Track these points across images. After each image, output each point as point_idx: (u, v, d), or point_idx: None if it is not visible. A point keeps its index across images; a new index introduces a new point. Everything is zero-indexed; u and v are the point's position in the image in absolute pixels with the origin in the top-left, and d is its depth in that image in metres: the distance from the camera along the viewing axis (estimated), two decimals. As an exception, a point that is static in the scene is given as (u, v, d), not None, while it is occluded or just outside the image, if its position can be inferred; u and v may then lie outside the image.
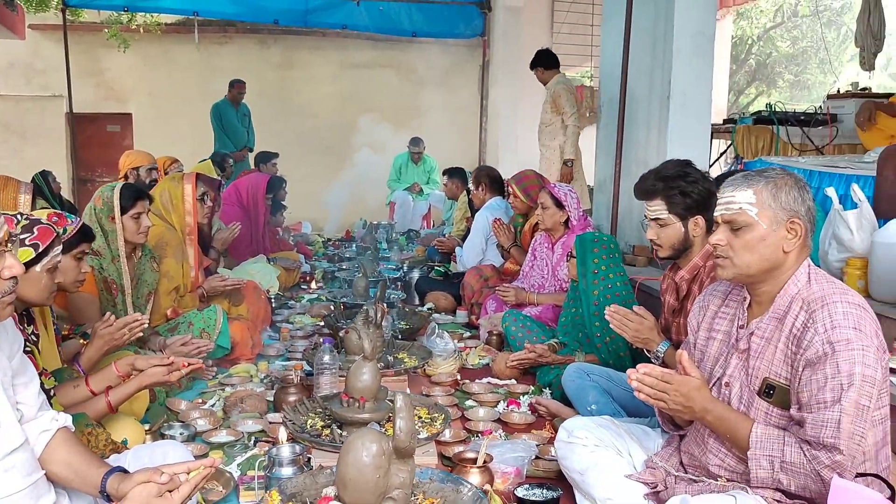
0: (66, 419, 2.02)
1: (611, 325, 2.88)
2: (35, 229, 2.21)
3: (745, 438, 2.01)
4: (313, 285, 5.88)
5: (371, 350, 2.62)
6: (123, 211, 3.45)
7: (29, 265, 2.16)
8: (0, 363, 1.82)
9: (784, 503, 1.99)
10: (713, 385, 2.19)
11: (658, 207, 2.82)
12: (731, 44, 12.78)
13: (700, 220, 2.81)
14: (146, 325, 2.79)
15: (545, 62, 6.80)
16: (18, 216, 2.25)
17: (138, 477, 1.81)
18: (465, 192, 6.89)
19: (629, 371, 2.07)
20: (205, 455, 2.74)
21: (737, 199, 2.08)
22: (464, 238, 5.99)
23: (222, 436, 2.97)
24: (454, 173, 7.13)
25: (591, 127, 10.56)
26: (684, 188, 2.78)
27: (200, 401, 3.40)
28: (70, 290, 2.72)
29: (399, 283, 5.64)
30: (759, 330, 2.10)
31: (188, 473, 1.84)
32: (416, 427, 2.76)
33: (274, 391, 3.34)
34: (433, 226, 9.15)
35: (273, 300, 5.10)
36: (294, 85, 11.51)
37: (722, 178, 2.89)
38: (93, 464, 1.93)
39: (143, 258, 3.67)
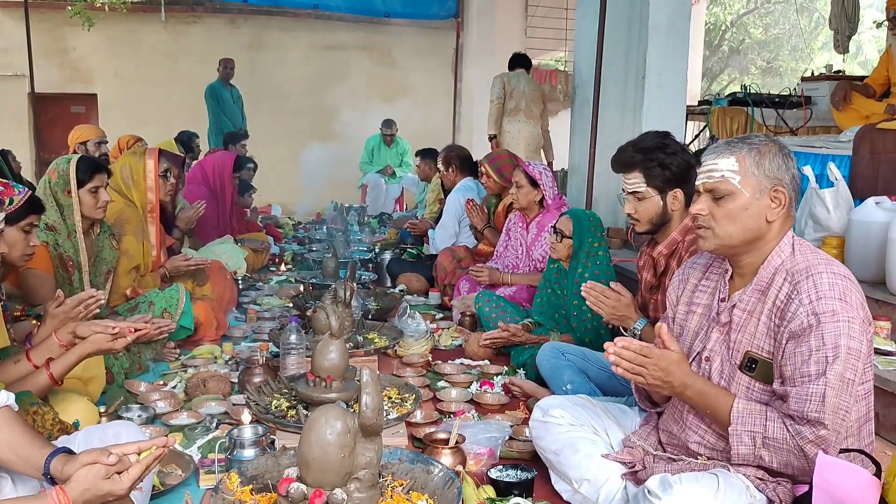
0: (7, 397, 1.88)
1: (587, 302, 2.80)
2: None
3: (726, 414, 1.94)
4: (282, 268, 5.74)
5: (338, 328, 2.50)
6: (80, 184, 3.29)
7: None
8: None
9: (766, 481, 1.92)
10: (693, 360, 2.11)
11: (636, 180, 2.73)
12: (704, 30, 12.77)
13: (679, 193, 2.72)
14: (103, 303, 2.64)
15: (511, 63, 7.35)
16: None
17: (84, 458, 1.69)
18: (437, 173, 6.77)
19: (606, 344, 1.98)
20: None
21: (719, 167, 2.00)
22: (437, 220, 5.88)
23: (183, 418, 2.84)
24: (427, 154, 7.01)
25: (565, 111, 10.50)
26: (663, 160, 2.70)
27: (161, 382, 3.26)
28: (18, 263, 2.57)
29: (370, 265, 5.52)
30: (742, 302, 2.03)
31: (139, 454, 1.72)
32: (386, 407, 2.66)
33: (238, 372, 3.21)
34: (406, 209, 9.02)
35: (240, 282, 4.96)
36: (265, 66, 11.26)
37: (701, 153, 2.82)
38: (35, 444, 1.80)
39: (101, 235, 3.51)
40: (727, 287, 2.11)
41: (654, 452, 2.21)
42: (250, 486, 1.90)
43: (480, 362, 3.67)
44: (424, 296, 5.04)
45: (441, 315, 4.63)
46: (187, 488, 2.32)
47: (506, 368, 3.56)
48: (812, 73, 6.70)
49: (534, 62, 8.86)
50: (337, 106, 10.23)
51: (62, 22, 10.68)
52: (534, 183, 4.27)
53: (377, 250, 5.97)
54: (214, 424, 2.78)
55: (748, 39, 16.38)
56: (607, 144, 5.63)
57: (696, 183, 2.09)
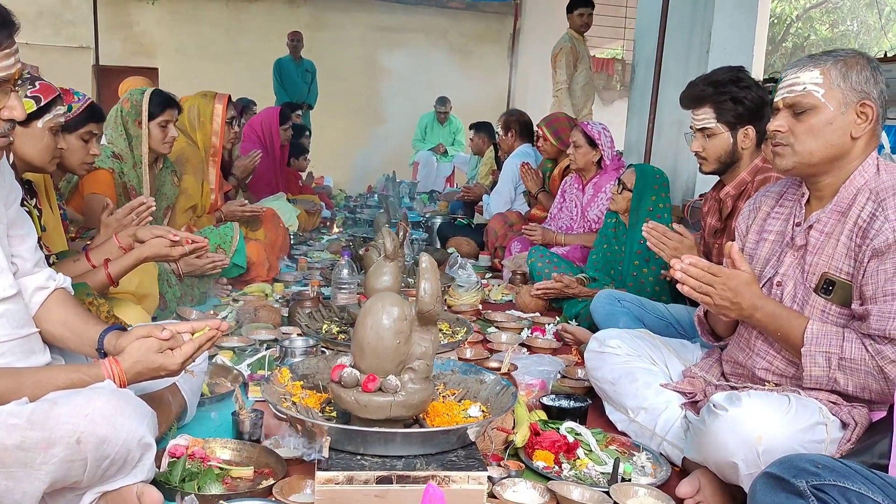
0: (64, 280, 1.89)
1: (647, 244, 2.70)
2: (37, 83, 2.09)
3: (799, 336, 1.83)
4: (334, 228, 5.74)
5: (392, 249, 2.46)
6: (151, 117, 3.33)
7: (30, 119, 2.04)
8: (-5, 208, 1.69)
9: (840, 405, 1.81)
10: (763, 286, 2.01)
11: (705, 116, 2.62)
12: (768, 23, 12.42)
13: (751, 130, 2.60)
14: (153, 208, 2.64)
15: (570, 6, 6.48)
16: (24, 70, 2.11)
17: (138, 332, 1.68)
18: (491, 146, 6.70)
19: (673, 261, 1.89)
20: (212, 357, 2.61)
21: (801, 80, 1.89)
22: (492, 189, 5.80)
23: (233, 342, 2.83)
24: (481, 127, 6.94)
25: (620, 101, 10.33)
26: (736, 94, 2.58)
27: (213, 312, 3.27)
28: (77, 172, 2.60)
29: (422, 227, 5.48)
30: (819, 223, 1.92)
31: (192, 334, 1.70)
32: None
33: (289, 307, 3.19)
34: (456, 187, 8.97)
35: (292, 237, 4.96)
36: (322, 46, 11.31)
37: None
38: (90, 322, 1.80)
39: (164, 170, 3.54)
40: (803, 211, 2.00)
41: (717, 382, 2.11)
42: (300, 382, 1.87)
43: (531, 314, 3.59)
44: (474, 259, 4.98)
45: (491, 275, 4.56)
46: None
47: (557, 318, 3.48)
48: (885, 55, 6.44)
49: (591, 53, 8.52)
50: (392, 87, 10.24)
51: (128, -4, 10.92)
52: (592, 143, 4.18)
53: (427, 215, 5.92)
54: (265, 347, 2.76)
55: (813, 36, 15.88)
56: (665, 123, 5.50)
57: (775, 99, 1.98)
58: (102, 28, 9.23)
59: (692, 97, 2.67)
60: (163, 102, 3.37)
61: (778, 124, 1.94)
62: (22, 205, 1.86)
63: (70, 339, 1.79)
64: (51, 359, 1.78)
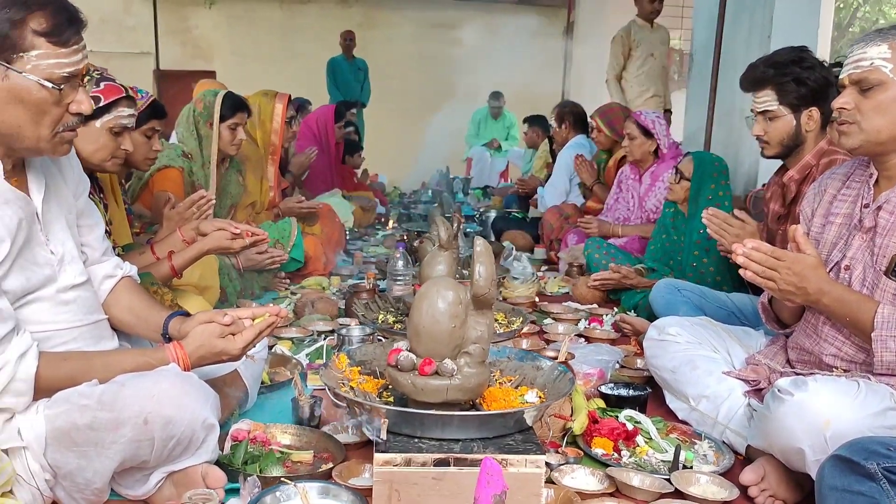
0: (131, 268, 1.95)
1: (708, 230, 2.65)
2: (102, 84, 2.15)
3: (869, 321, 1.76)
4: (389, 224, 5.78)
5: (447, 238, 2.45)
6: (222, 119, 3.40)
7: (87, 118, 2.09)
8: (66, 199, 1.75)
9: (914, 391, 1.74)
10: (830, 270, 1.94)
11: (767, 98, 2.54)
12: (834, 7, 12.01)
13: (815, 112, 2.51)
14: (213, 202, 2.70)
15: None
16: (92, 70, 2.18)
17: (201, 317, 1.72)
18: (546, 139, 6.65)
19: (735, 245, 1.84)
20: (272, 347, 2.66)
21: (868, 55, 1.82)
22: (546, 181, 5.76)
23: (292, 332, 2.88)
24: (535, 121, 6.91)
25: (678, 92, 10.12)
26: (798, 75, 2.49)
27: (271, 304, 3.32)
28: (141, 167, 2.67)
29: (476, 221, 5.48)
30: (889, 204, 1.85)
31: (253, 320, 1.74)
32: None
33: (345, 298, 3.23)
34: (510, 182, 8.94)
35: (347, 233, 5.01)
36: (374, 45, 11.40)
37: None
38: (154, 308, 1.85)
39: (230, 170, 3.62)
40: (871, 192, 1.93)
41: (782, 370, 2.05)
42: (358, 368, 1.89)
43: (588, 306, 3.55)
44: (529, 252, 4.94)
45: (547, 268, 4.53)
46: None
47: (615, 309, 3.43)
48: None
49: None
50: (444, 83, 10.25)
51: (186, 1, 11.19)
52: (646, 133, 4.11)
53: (482, 210, 5.92)
54: (322, 337, 2.80)
55: (882, 20, 15.28)
56: (725, 111, 5.37)
57: (841, 76, 1.91)
58: (162, 33, 9.50)
59: (753, 79, 2.59)
60: (234, 106, 3.44)
61: (843, 101, 1.87)
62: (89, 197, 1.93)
63: (136, 324, 1.85)
64: (118, 345, 1.84)
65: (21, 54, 1.45)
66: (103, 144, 2.18)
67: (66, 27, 1.50)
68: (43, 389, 1.52)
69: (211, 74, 11.72)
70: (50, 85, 1.48)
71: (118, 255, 2.29)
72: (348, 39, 9.00)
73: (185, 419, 1.53)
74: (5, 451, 1.51)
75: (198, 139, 3.39)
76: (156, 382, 1.53)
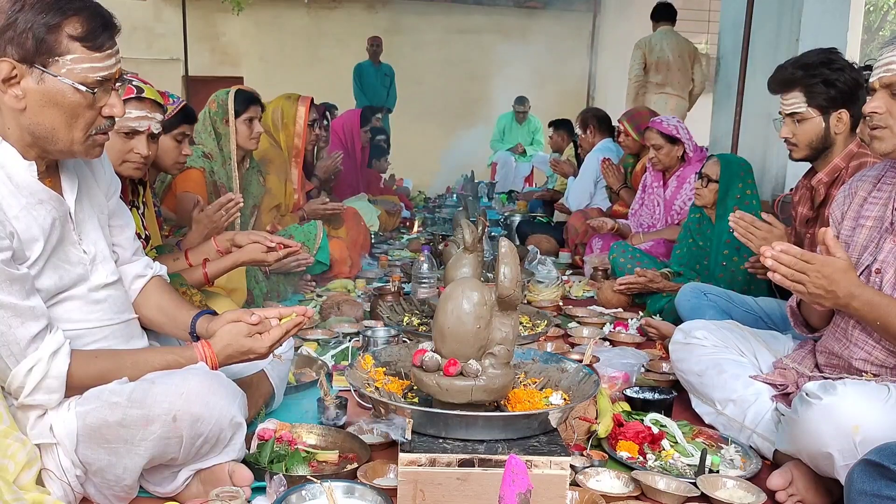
0: (161, 268, 1.97)
1: (735, 234, 2.62)
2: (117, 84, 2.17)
3: (900, 325, 1.74)
4: (414, 228, 5.80)
5: (472, 240, 2.46)
6: (237, 114, 3.44)
7: None
8: (97, 199, 1.78)
9: (946, 397, 1.71)
10: (861, 274, 1.92)
11: (795, 100, 2.52)
12: (864, 11, 11.84)
13: (844, 114, 2.49)
14: (241, 205, 2.73)
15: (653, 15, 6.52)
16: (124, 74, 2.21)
17: (228, 316, 1.74)
18: (571, 144, 6.63)
19: (763, 248, 1.82)
20: (297, 349, 2.68)
21: (900, 58, 1.80)
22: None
23: (317, 334, 2.90)
24: (560, 125, 6.90)
25: (704, 96, 10.04)
26: (828, 76, 2.47)
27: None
28: (171, 171, 2.70)
29: (501, 225, 5.48)
30: (921, 207, 1.82)
31: (280, 320, 1.75)
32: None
33: (371, 301, 3.24)
34: (535, 186, 8.92)
35: (373, 237, 5.04)
36: (400, 50, 11.45)
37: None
38: (183, 307, 1.88)
39: (251, 169, 3.66)
40: (903, 195, 1.90)
41: (811, 374, 2.03)
42: (383, 369, 1.90)
43: (614, 310, 3.53)
44: (554, 256, 4.94)
45: (572, 272, 4.52)
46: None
47: (641, 313, 3.41)
48: None
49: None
50: (469, 88, 10.28)
51: (214, 8, 11.30)
52: (671, 140, 4.09)
53: (506, 214, 5.92)
54: (348, 339, 2.82)
55: (913, 23, 15.06)
56: (752, 115, 5.31)
57: (871, 79, 1.89)
58: (191, 40, 9.59)
59: (781, 81, 2.57)
60: (246, 100, 3.48)
61: (875, 105, 1.85)
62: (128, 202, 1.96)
63: (165, 323, 1.88)
64: (148, 344, 1.87)
65: (56, 58, 1.49)
66: (110, 146, 2.18)
67: (101, 32, 1.53)
68: (74, 387, 1.55)
69: (239, 80, 11.85)
70: (84, 88, 1.52)
71: (148, 254, 2.33)
72: (375, 45, 9.05)
73: (213, 417, 1.55)
74: (38, 447, 1.54)
75: (216, 138, 3.43)
76: (185, 380, 1.55)
